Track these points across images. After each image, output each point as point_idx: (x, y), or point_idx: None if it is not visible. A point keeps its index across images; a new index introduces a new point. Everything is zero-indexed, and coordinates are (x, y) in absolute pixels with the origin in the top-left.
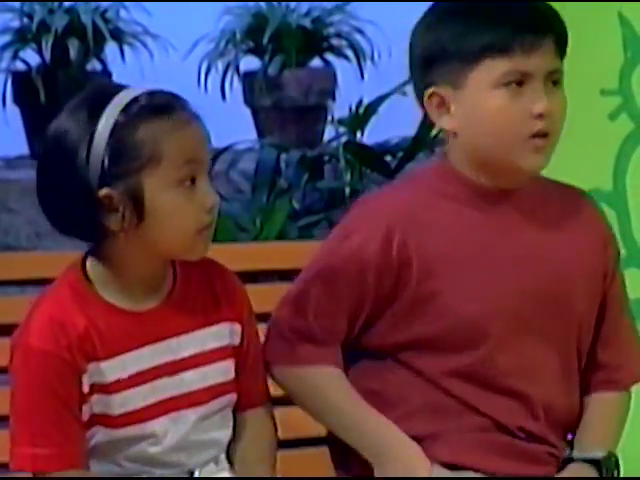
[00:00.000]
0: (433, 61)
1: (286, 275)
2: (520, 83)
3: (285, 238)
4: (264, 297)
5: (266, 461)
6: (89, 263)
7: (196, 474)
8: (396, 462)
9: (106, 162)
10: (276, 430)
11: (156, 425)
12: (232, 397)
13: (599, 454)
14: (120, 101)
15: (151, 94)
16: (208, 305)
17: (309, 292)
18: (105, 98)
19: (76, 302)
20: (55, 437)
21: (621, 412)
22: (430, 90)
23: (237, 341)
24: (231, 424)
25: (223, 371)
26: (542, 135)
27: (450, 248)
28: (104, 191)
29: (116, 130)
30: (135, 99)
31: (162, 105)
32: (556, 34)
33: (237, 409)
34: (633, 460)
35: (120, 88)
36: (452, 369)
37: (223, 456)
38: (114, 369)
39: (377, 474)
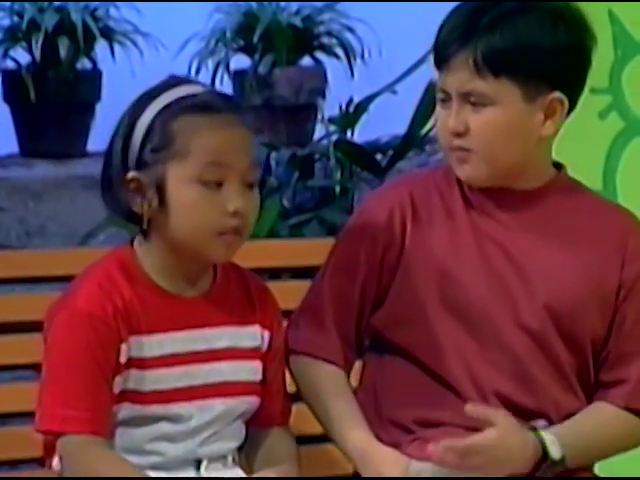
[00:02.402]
0: None
1: (276, 273)
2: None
3: (275, 236)
4: None
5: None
6: (137, 244)
7: (202, 467)
8: (370, 465)
9: (142, 147)
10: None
11: (182, 409)
12: (257, 401)
13: (557, 453)
14: (174, 94)
15: (201, 92)
16: (244, 306)
17: (324, 274)
18: (164, 89)
19: (123, 275)
20: (88, 401)
21: (615, 429)
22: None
23: (265, 347)
24: (244, 433)
25: (254, 371)
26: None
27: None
28: (132, 174)
29: (157, 118)
30: (185, 94)
31: (208, 103)
32: None
33: (262, 425)
34: None
35: (183, 82)
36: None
37: (230, 458)
38: (153, 346)
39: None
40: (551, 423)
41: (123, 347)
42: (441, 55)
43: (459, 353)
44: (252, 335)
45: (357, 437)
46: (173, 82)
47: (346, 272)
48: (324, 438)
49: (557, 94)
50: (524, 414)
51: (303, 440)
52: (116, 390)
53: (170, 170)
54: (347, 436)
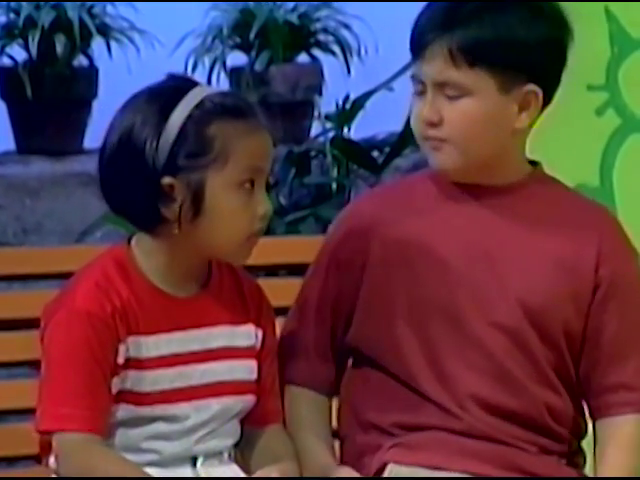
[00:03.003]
0: None
1: (273, 271)
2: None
3: (272, 234)
4: None
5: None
6: (135, 243)
7: (199, 463)
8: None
9: (174, 152)
10: None
11: (179, 409)
12: (252, 400)
13: None
14: (195, 96)
15: (224, 95)
16: (238, 305)
17: (301, 293)
18: (180, 91)
19: (120, 274)
20: (87, 399)
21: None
22: None
23: (259, 346)
24: (239, 431)
25: (249, 370)
26: None
27: (403, 244)
28: (167, 180)
29: (189, 123)
30: (208, 97)
31: (236, 107)
32: None
33: (257, 423)
34: None
35: (193, 84)
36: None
37: (226, 455)
38: (150, 346)
39: None
40: (535, 422)
41: (121, 347)
42: (417, 44)
43: (431, 360)
44: (247, 334)
45: (316, 459)
46: (184, 83)
47: (317, 278)
48: None
49: (532, 86)
50: (505, 415)
51: None
52: (113, 391)
53: (209, 177)
54: (307, 458)
